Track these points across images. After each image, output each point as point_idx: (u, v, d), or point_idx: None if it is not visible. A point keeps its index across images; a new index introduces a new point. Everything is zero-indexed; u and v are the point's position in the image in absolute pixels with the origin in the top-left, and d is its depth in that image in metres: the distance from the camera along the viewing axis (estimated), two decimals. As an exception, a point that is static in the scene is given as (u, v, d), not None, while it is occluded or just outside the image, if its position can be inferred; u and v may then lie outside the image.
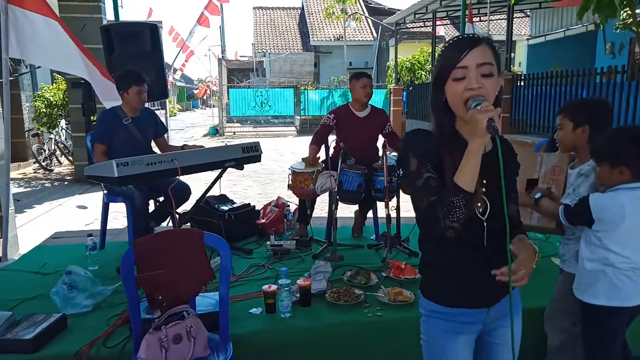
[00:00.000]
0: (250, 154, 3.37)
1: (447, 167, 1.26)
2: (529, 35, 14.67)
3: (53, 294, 2.53)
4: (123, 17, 7.74)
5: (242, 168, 3.38)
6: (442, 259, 1.38)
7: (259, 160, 3.47)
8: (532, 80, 7.78)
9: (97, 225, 3.71)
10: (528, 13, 15.05)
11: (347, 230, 3.95)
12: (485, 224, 1.30)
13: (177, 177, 2.92)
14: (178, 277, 2.09)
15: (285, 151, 12.71)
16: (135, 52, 4.22)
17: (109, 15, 7.81)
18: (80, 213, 6.09)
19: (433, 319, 1.41)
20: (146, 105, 3.58)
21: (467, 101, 1.22)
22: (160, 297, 2.08)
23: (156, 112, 14.28)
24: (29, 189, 7.58)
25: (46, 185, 7.88)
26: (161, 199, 3.57)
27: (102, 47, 4.34)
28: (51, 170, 8.98)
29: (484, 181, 1.29)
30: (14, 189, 7.43)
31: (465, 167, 1.21)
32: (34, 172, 9.02)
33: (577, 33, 11.85)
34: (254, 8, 27.09)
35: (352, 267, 3.07)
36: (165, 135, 3.79)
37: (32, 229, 5.25)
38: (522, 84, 8.12)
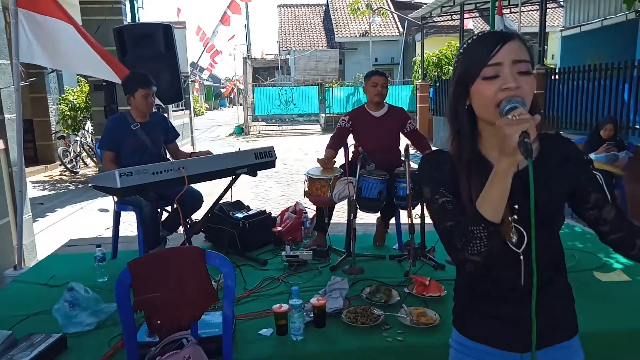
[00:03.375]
0: (263, 160, 3.19)
1: (464, 191, 1.05)
2: (563, 26, 14.01)
3: (55, 312, 2.41)
4: (149, 18, 7.72)
5: (255, 174, 3.21)
6: (468, 289, 1.18)
7: (274, 166, 3.29)
8: (567, 75, 7.34)
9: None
10: (562, 3, 14.38)
11: (369, 237, 3.73)
12: (521, 257, 1.07)
13: (186, 186, 2.75)
14: (177, 301, 1.92)
15: (310, 150, 12.54)
16: (148, 54, 4.09)
17: (130, 17, 7.76)
18: (102, 216, 6.06)
19: (458, 353, 1.21)
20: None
21: (500, 104, 0.99)
22: (158, 322, 1.92)
23: (180, 112, 14.33)
24: (52, 192, 7.64)
25: (70, 187, 7.94)
26: (172, 207, 3.43)
27: (115, 49, 4.24)
28: (76, 172, 9.06)
29: (515, 206, 1.04)
30: (38, 192, 7.51)
31: (490, 192, 0.97)
32: (60, 175, 9.12)
33: (616, 22, 11.20)
34: (279, 6, 27.02)
35: (372, 281, 2.86)
36: (180, 139, 3.67)
37: (52, 233, 5.24)
38: (556, 77, 7.68)
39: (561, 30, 14.02)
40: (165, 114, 11.20)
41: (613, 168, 5.02)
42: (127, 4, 7.49)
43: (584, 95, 6.84)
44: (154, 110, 3.42)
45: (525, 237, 1.06)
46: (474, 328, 1.18)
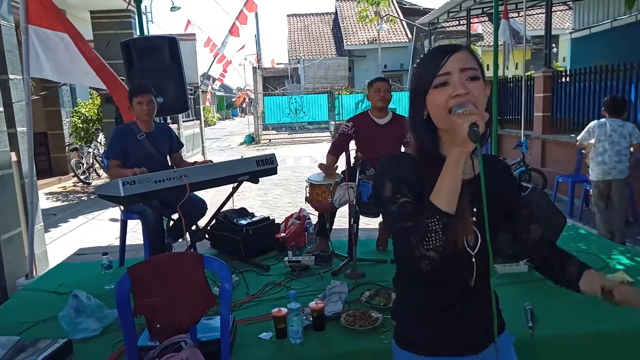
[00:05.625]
0: (265, 167, 3.24)
1: (427, 194, 1.06)
2: (572, 29, 13.92)
3: (60, 319, 2.48)
4: (159, 32, 7.87)
5: (257, 182, 3.26)
6: (419, 298, 1.18)
7: (275, 173, 3.34)
8: (575, 76, 7.31)
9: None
10: (570, 5, 14.28)
11: (371, 242, 3.76)
12: (473, 259, 1.11)
13: (187, 193, 2.81)
14: (176, 305, 1.97)
15: (319, 157, 12.59)
16: (154, 66, 4.18)
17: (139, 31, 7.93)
18: (112, 226, 6.16)
19: None
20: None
21: (452, 109, 1.04)
22: (158, 326, 1.97)
23: (191, 122, 14.43)
24: (65, 203, 7.79)
25: (83, 198, 8.09)
26: (176, 215, 3.50)
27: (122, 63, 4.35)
28: (89, 184, 9.23)
29: (474, 209, 1.09)
30: (51, 203, 7.67)
31: (443, 183, 1.02)
32: (73, 186, 9.30)
33: (626, 23, 11.11)
34: (288, 15, 27.29)
35: (372, 285, 2.88)
36: (191, 148, 3.76)
37: (64, 243, 5.35)
38: (565, 80, 7.65)
39: (570, 33, 13.93)
40: (175, 125, 11.30)
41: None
42: (137, 17, 7.66)
43: (591, 97, 6.80)
44: (156, 119, 3.50)
45: (480, 240, 1.11)
46: (425, 341, 1.17)
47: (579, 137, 4.82)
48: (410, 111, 1.15)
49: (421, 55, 1.15)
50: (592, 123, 4.69)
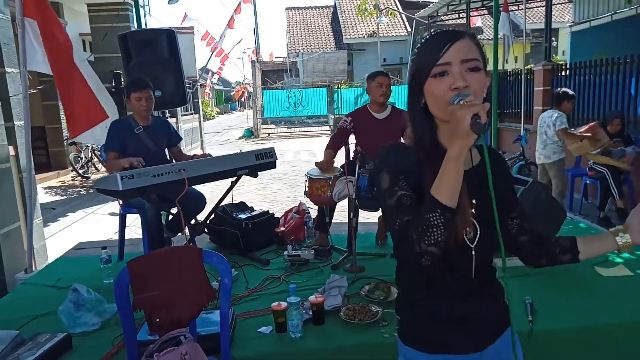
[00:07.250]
0: (264, 161, 3.23)
1: (427, 184, 1.02)
2: (572, 22, 13.86)
3: (60, 313, 2.47)
4: (157, 25, 7.81)
5: (256, 175, 3.25)
6: (421, 294, 1.15)
7: (274, 167, 3.33)
8: (574, 70, 7.27)
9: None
10: (571, -2, 14.21)
11: (371, 236, 3.75)
12: (473, 252, 1.09)
13: (186, 187, 2.80)
14: (175, 299, 1.96)
15: (318, 152, 12.55)
16: (152, 59, 4.15)
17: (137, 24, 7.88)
18: (112, 220, 6.16)
19: None
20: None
21: (451, 100, 1.00)
22: (157, 320, 1.96)
23: (190, 116, 14.40)
24: (64, 197, 7.78)
25: (82, 192, 8.08)
26: (175, 209, 3.49)
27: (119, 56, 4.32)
28: (88, 178, 9.21)
29: (473, 201, 1.07)
30: (50, 197, 7.65)
31: (444, 176, 0.96)
32: (72, 180, 9.28)
33: (626, 17, 11.06)
34: (287, 8, 27.15)
35: (372, 279, 2.88)
36: (189, 142, 3.74)
37: (64, 237, 5.34)
38: (565, 73, 7.62)
39: (570, 26, 13.87)
40: (174, 119, 11.29)
41: (621, 163, 4.98)
42: (134, 10, 7.60)
43: (591, 91, 6.77)
44: (154, 113, 3.48)
45: (479, 232, 1.09)
46: (429, 338, 1.14)
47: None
48: (408, 99, 1.11)
49: (422, 40, 1.09)
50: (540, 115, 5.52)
